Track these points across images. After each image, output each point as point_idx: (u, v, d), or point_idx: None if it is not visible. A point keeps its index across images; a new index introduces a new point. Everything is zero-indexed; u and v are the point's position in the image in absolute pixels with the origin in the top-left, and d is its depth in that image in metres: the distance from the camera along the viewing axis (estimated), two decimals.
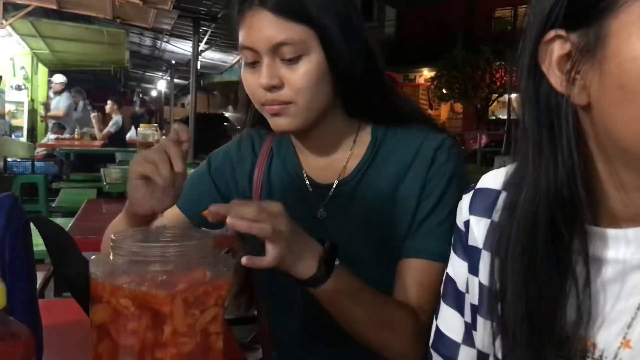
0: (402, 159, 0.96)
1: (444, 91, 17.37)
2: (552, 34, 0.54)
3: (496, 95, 16.84)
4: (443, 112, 20.00)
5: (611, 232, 0.57)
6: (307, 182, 1.01)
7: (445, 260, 0.86)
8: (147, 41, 10.86)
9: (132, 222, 0.88)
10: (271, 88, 0.89)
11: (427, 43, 18.18)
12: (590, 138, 0.56)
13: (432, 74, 18.14)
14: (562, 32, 0.53)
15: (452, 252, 0.76)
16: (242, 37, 0.92)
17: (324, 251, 0.82)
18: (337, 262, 0.83)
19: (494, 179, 0.72)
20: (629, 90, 0.49)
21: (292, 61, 0.89)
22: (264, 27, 0.88)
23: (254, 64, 0.91)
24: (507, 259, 0.61)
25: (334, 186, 0.99)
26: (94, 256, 0.65)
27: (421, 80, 20.24)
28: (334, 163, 1.00)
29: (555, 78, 0.54)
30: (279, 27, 0.88)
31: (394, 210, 0.95)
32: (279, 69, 0.89)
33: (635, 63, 0.49)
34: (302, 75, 0.89)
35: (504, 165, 0.68)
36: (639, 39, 0.48)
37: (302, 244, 0.81)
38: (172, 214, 1.01)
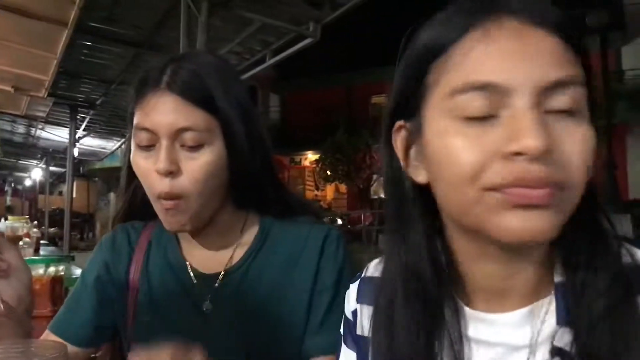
0: (290, 248, 0.94)
1: (329, 172, 17.94)
2: (397, 124, 0.62)
3: (377, 175, 17.64)
4: (329, 192, 20.53)
5: (487, 316, 0.60)
6: (191, 273, 0.95)
7: None
8: (20, 128, 10.31)
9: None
10: (168, 174, 0.84)
11: (311, 127, 18.88)
12: (441, 213, 0.61)
13: (317, 156, 18.73)
14: (402, 122, 0.61)
15: (342, 343, 0.75)
16: (140, 118, 0.87)
17: None
18: None
19: (375, 266, 0.74)
20: (441, 163, 0.55)
21: (193, 149, 0.85)
22: (169, 111, 0.85)
23: (149, 148, 0.87)
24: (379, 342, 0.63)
25: (220, 276, 0.94)
26: None
27: (307, 163, 20.78)
28: (220, 252, 0.96)
29: (403, 162, 0.62)
30: (185, 113, 0.85)
31: (284, 302, 0.92)
32: (178, 155, 0.85)
33: (439, 139, 0.55)
34: (202, 165, 0.86)
35: None
36: (440, 117, 0.55)
37: None
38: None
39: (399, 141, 0.62)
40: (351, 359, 0.73)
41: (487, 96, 0.52)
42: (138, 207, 1.00)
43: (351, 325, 0.74)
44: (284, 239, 0.96)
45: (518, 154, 0.50)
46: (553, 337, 0.55)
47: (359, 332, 0.72)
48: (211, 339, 0.86)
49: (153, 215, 0.93)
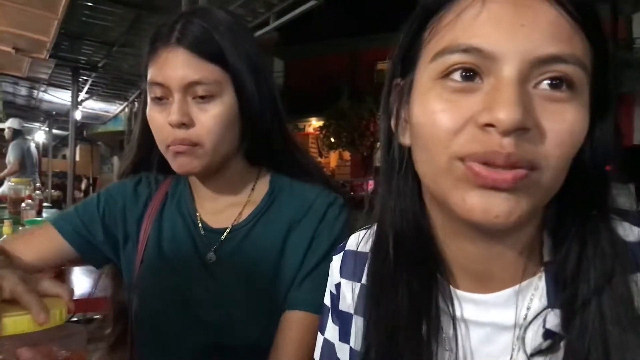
0: (295, 211, 0.97)
1: (332, 140, 17.89)
2: (395, 82, 0.60)
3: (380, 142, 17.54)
4: (332, 159, 20.52)
5: (474, 296, 0.59)
6: (200, 225, 1.00)
7: None
8: (23, 90, 10.28)
9: None
10: (180, 126, 0.88)
11: (315, 93, 18.76)
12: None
13: (321, 123, 18.64)
14: (399, 80, 0.59)
15: (329, 316, 0.74)
16: (153, 73, 0.90)
17: None
18: None
19: (358, 239, 0.72)
20: (419, 125, 0.53)
21: (204, 101, 0.88)
22: (180, 65, 0.88)
23: (162, 101, 0.90)
24: (372, 320, 0.61)
25: (227, 231, 0.98)
26: None
27: (310, 130, 20.71)
28: (230, 208, 1.00)
29: (393, 121, 0.60)
30: (195, 66, 0.88)
31: (280, 260, 0.95)
32: (190, 107, 0.88)
33: (422, 99, 0.53)
34: (213, 116, 0.89)
35: None
36: (427, 78, 0.53)
37: None
38: (54, 241, 0.97)
39: (392, 99, 0.60)
40: (335, 333, 0.72)
41: (472, 61, 0.49)
42: (150, 163, 1.06)
43: (334, 299, 0.72)
44: (290, 202, 0.98)
45: (490, 125, 0.47)
46: (543, 318, 0.54)
47: (341, 307, 0.71)
48: (213, 287, 0.94)
49: (167, 170, 0.99)
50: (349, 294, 0.69)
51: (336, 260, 0.73)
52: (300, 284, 0.93)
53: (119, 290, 1.08)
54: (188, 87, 0.88)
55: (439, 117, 0.51)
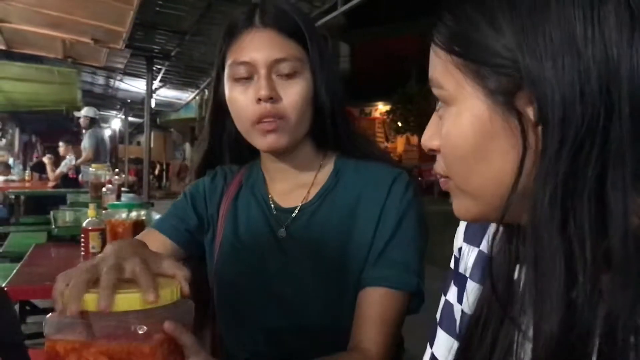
0: (360, 188, 1.00)
1: (400, 124, 17.71)
2: None
3: None
4: (399, 144, 20.33)
5: None
6: (272, 205, 1.05)
7: (404, 289, 0.90)
8: (100, 80, 10.73)
9: None
10: (268, 100, 0.92)
11: (381, 78, 18.59)
12: None
13: (388, 107, 18.48)
14: None
15: (452, 278, 0.76)
16: (237, 54, 0.96)
17: None
18: None
19: None
20: None
21: (289, 77, 0.94)
22: (266, 44, 0.94)
23: (247, 81, 0.95)
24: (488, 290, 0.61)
25: (297, 210, 1.02)
26: (49, 315, 0.61)
27: (377, 114, 20.59)
28: (298, 189, 1.04)
29: None
30: (280, 44, 0.94)
31: (349, 237, 0.97)
32: (276, 83, 0.93)
33: None
34: (297, 92, 0.94)
35: None
36: None
37: None
38: (159, 241, 1.03)
39: None
40: (454, 295, 0.73)
41: None
42: (219, 154, 1.11)
43: (457, 262, 0.74)
44: (355, 180, 1.02)
45: None
46: None
47: (461, 269, 0.72)
48: (285, 262, 0.99)
49: (236, 161, 1.09)
50: (469, 258, 0.71)
51: (462, 225, 0.75)
52: (375, 261, 0.95)
53: (200, 272, 1.11)
54: (273, 65, 0.93)
55: None
